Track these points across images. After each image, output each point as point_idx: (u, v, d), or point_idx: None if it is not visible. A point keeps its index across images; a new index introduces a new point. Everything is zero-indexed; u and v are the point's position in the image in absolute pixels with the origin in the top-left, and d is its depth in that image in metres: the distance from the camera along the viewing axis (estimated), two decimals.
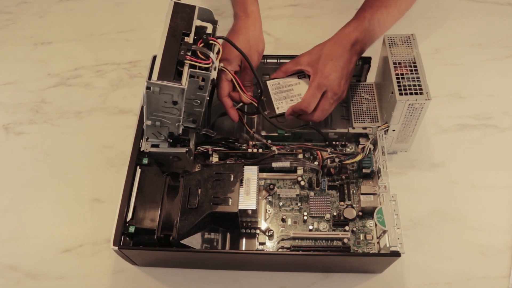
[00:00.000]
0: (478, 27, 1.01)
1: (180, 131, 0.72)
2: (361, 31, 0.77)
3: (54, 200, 0.82)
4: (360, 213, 0.75)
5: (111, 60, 1.00)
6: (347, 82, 0.77)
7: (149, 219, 0.68)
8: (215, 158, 0.78)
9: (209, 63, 0.65)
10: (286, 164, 0.76)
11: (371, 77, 0.86)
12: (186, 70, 0.64)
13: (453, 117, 0.89)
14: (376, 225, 0.74)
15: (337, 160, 0.77)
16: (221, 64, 0.72)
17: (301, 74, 0.79)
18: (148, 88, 0.63)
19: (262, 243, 0.74)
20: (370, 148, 0.76)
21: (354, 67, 0.78)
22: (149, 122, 0.69)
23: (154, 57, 0.65)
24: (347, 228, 0.75)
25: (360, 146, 0.80)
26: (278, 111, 0.78)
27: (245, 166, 0.71)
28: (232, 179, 0.70)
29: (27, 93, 0.96)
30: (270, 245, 0.74)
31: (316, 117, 0.76)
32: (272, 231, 0.74)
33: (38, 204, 0.82)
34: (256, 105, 0.77)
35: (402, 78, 0.72)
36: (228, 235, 0.74)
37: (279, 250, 0.73)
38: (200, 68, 0.65)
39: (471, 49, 0.98)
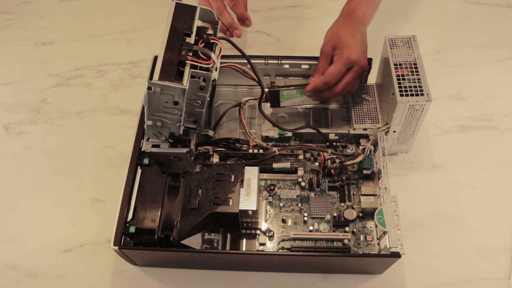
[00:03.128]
0: (479, 28, 1.02)
1: (181, 132, 0.72)
2: (365, 3, 0.80)
3: (55, 200, 0.82)
4: (361, 214, 0.75)
5: (112, 60, 1.00)
6: (366, 55, 0.79)
7: (149, 219, 0.68)
8: (215, 159, 0.79)
9: (210, 64, 0.65)
10: (287, 164, 0.77)
11: (372, 78, 0.86)
12: (187, 71, 0.64)
13: (453, 119, 0.89)
14: (376, 226, 0.74)
15: (337, 161, 0.77)
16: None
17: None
18: (149, 88, 0.63)
19: (263, 244, 0.74)
20: (370, 149, 0.76)
21: (365, 35, 0.80)
22: (150, 122, 0.69)
23: (155, 58, 0.65)
24: (347, 229, 0.75)
25: (361, 147, 0.80)
26: (281, 105, 0.81)
27: (245, 167, 0.71)
28: (232, 179, 0.70)
29: (28, 93, 0.96)
30: (271, 246, 0.74)
31: (339, 89, 0.77)
32: (272, 232, 0.74)
33: (39, 204, 0.82)
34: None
35: (403, 79, 0.72)
36: (229, 236, 0.74)
37: (280, 250, 0.73)
38: (201, 68, 0.65)
39: (472, 51, 0.99)
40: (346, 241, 0.72)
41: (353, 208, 0.76)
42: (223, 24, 0.79)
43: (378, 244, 0.73)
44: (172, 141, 0.73)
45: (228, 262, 0.74)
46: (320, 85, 0.77)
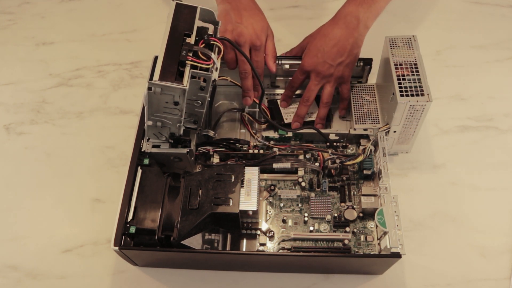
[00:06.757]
0: (480, 29, 1.02)
1: (181, 132, 0.72)
2: (360, 6, 0.77)
3: (55, 200, 0.82)
4: (361, 214, 0.75)
5: (112, 61, 1.00)
6: (334, 64, 0.78)
7: (150, 220, 0.68)
8: (216, 159, 0.78)
9: (210, 64, 0.65)
10: (287, 165, 0.76)
11: (372, 78, 0.86)
12: (187, 71, 0.64)
13: (454, 119, 0.89)
14: (376, 226, 0.74)
15: (338, 161, 0.77)
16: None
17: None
18: (149, 88, 0.63)
19: (263, 244, 0.74)
20: (371, 149, 0.76)
21: (352, 40, 0.78)
22: (150, 123, 0.69)
23: (156, 58, 0.65)
24: (347, 229, 0.75)
25: (361, 147, 0.80)
26: (286, 121, 0.82)
27: (246, 167, 0.71)
28: (233, 179, 0.70)
29: (28, 93, 0.96)
30: (271, 246, 0.74)
31: (304, 96, 0.81)
32: (272, 232, 0.74)
33: (39, 204, 0.82)
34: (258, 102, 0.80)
35: (403, 79, 0.72)
36: (229, 236, 0.74)
37: (280, 251, 0.73)
38: (201, 68, 0.65)
39: (472, 51, 0.98)
40: (346, 242, 0.72)
41: (353, 208, 0.76)
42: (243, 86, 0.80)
43: (379, 244, 0.72)
44: (172, 141, 0.73)
45: (228, 263, 0.74)
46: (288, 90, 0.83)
